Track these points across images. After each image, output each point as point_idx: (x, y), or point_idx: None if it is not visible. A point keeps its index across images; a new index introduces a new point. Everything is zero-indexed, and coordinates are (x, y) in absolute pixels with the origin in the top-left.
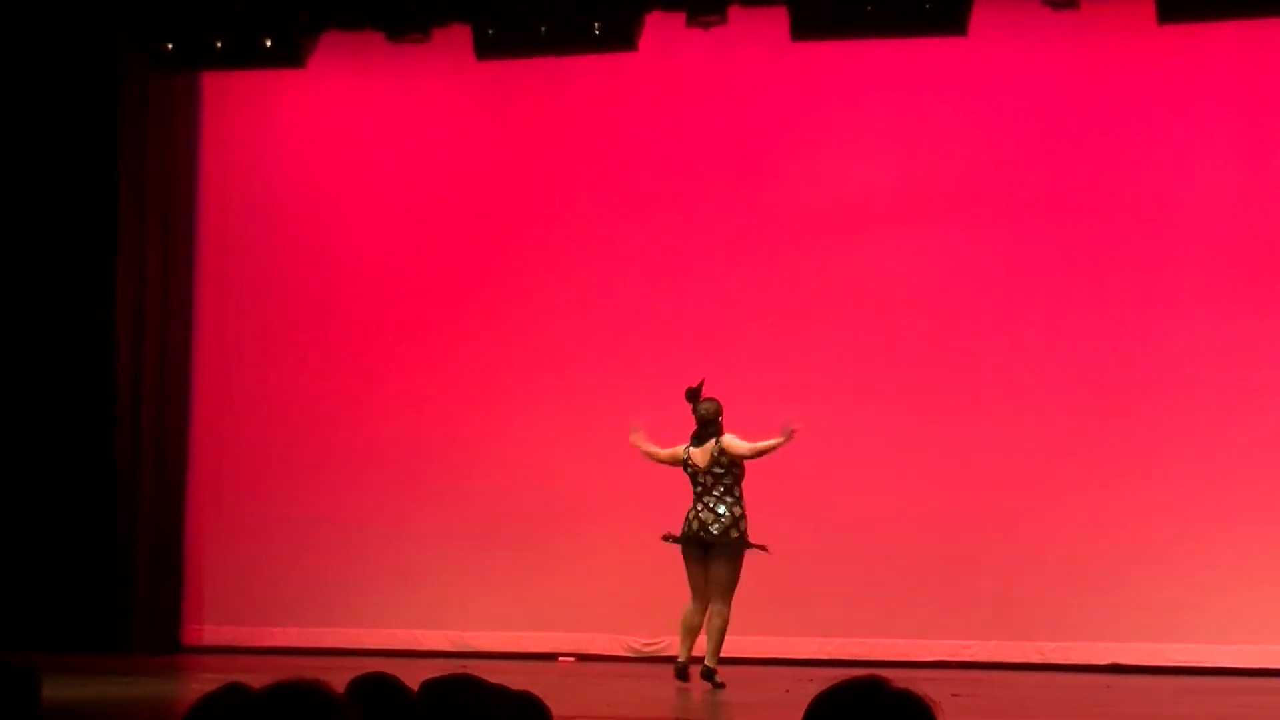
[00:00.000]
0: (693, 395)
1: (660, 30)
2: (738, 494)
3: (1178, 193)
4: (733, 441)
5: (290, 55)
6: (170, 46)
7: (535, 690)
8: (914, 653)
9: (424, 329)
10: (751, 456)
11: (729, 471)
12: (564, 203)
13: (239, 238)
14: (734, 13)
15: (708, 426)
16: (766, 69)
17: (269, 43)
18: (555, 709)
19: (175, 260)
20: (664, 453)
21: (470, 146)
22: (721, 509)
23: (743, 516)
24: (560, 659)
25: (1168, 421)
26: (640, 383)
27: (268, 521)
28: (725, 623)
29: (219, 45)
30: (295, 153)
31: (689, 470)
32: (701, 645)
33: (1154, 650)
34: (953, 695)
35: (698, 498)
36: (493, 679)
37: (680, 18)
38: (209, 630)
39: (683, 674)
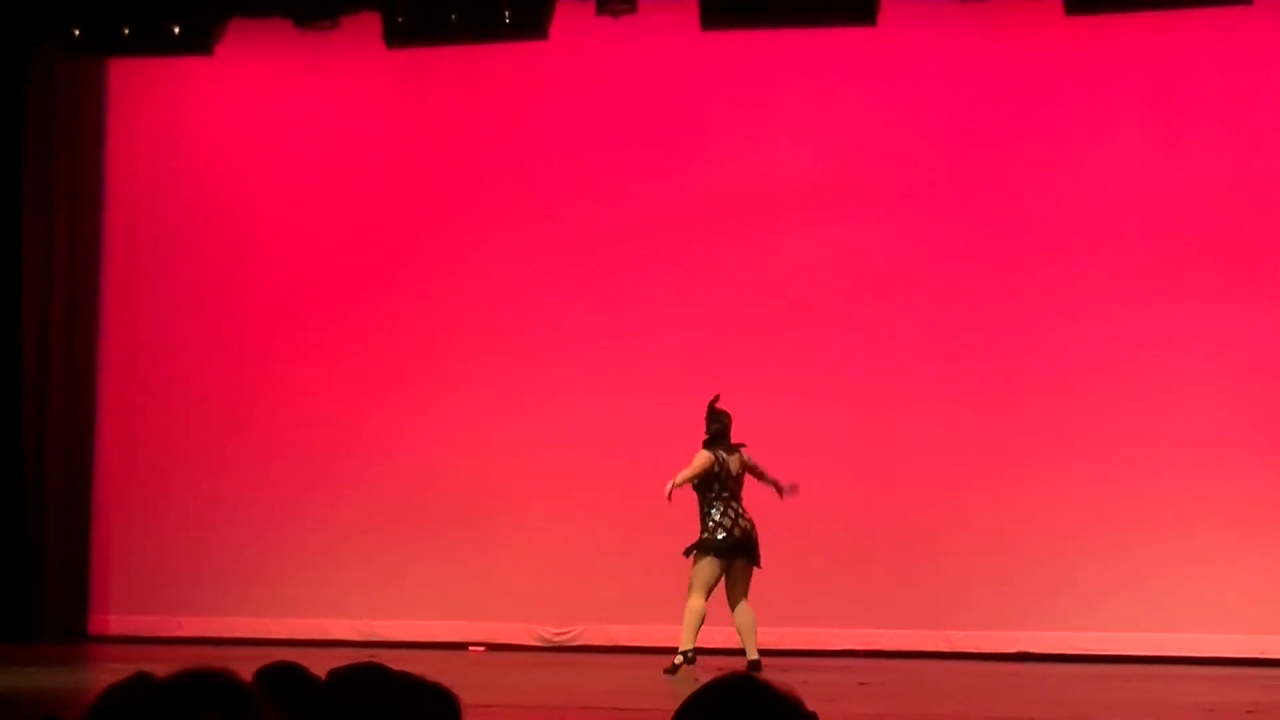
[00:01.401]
0: (714, 407)
1: (571, 19)
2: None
3: (1088, 181)
4: (754, 464)
5: (198, 42)
6: (77, 32)
7: (445, 679)
8: (822, 641)
9: (332, 318)
10: (759, 479)
11: (741, 480)
12: (475, 192)
13: (146, 226)
14: (644, 2)
15: (729, 434)
16: (678, 58)
17: (176, 29)
18: (465, 698)
19: (81, 249)
20: (696, 468)
21: (381, 135)
22: (746, 514)
23: None
24: (470, 648)
25: (1078, 410)
26: (553, 372)
27: (175, 511)
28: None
29: (126, 31)
30: (203, 141)
31: (720, 476)
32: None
33: (1062, 638)
34: (860, 684)
35: (726, 503)
36: (402, 668)
37: (590, 6)
38: (115, 620)
39: (692, 660)
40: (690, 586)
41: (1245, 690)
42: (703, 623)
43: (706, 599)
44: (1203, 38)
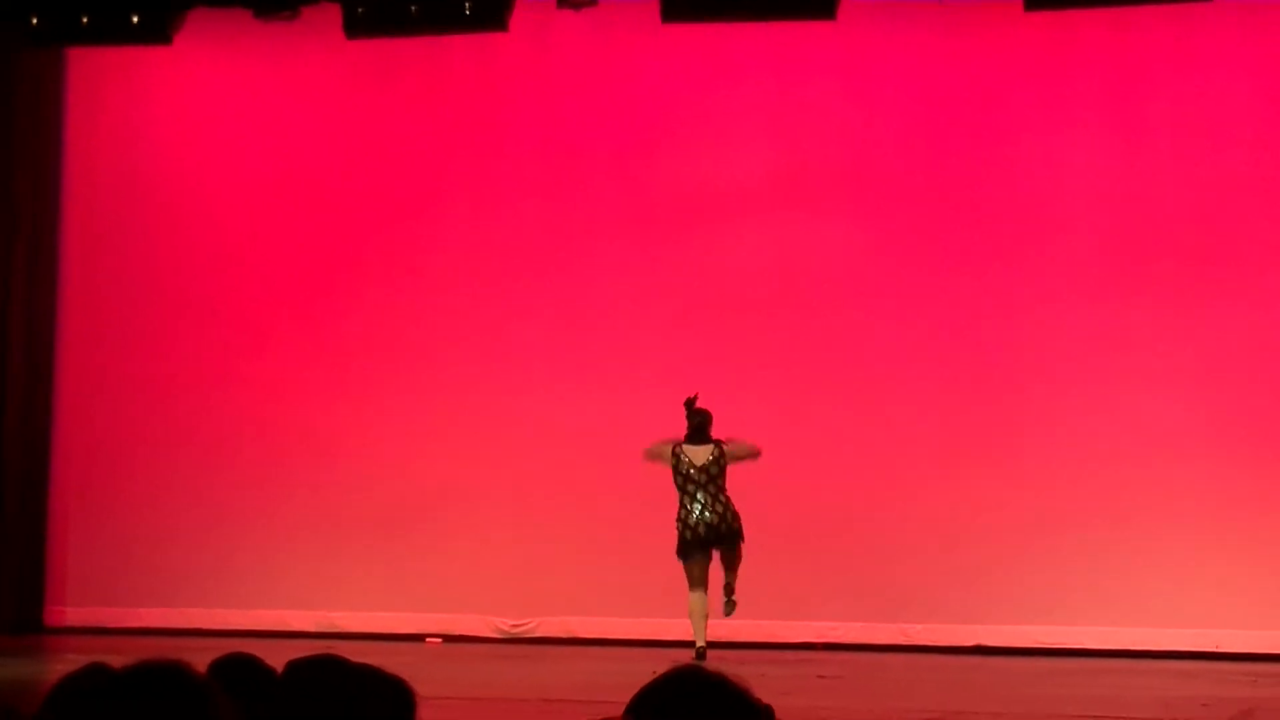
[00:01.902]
0: (690, 404)
1: (532, 11)
2: (725, 489)
3: (1043, 180)
4: (735, 446)
5: (157, 32)
6: (36, 20)
7: (402, 671)
8: (780, 634)
9: (291, 312)
10: (749, 456)
11: (722, 471)
12: (434, 186)
13: (105, 217)
14: None
15: (703, 432)
16: (638, 51)
17: (136, 19)
18: (423, 690)
19: (40, 241)
20: (653, 450)
21: (340, 128)
22: (724, 503)
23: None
24: (428, 640)
25: (1033, 408)
26: (510, 367)
27: (133, 501)
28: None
29: (85, 20)
30: (164, 131)
31: (680, 470)
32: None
33: (1019, 632)
34: (818, 677)
35: (690, 498)
36: (360, 660)
37: None
38: (72, 611)
39: (702, 656)
40: None
41: (1201, 685)
42: (706, 614)
43: (700, 591)
44: (1163, 34)
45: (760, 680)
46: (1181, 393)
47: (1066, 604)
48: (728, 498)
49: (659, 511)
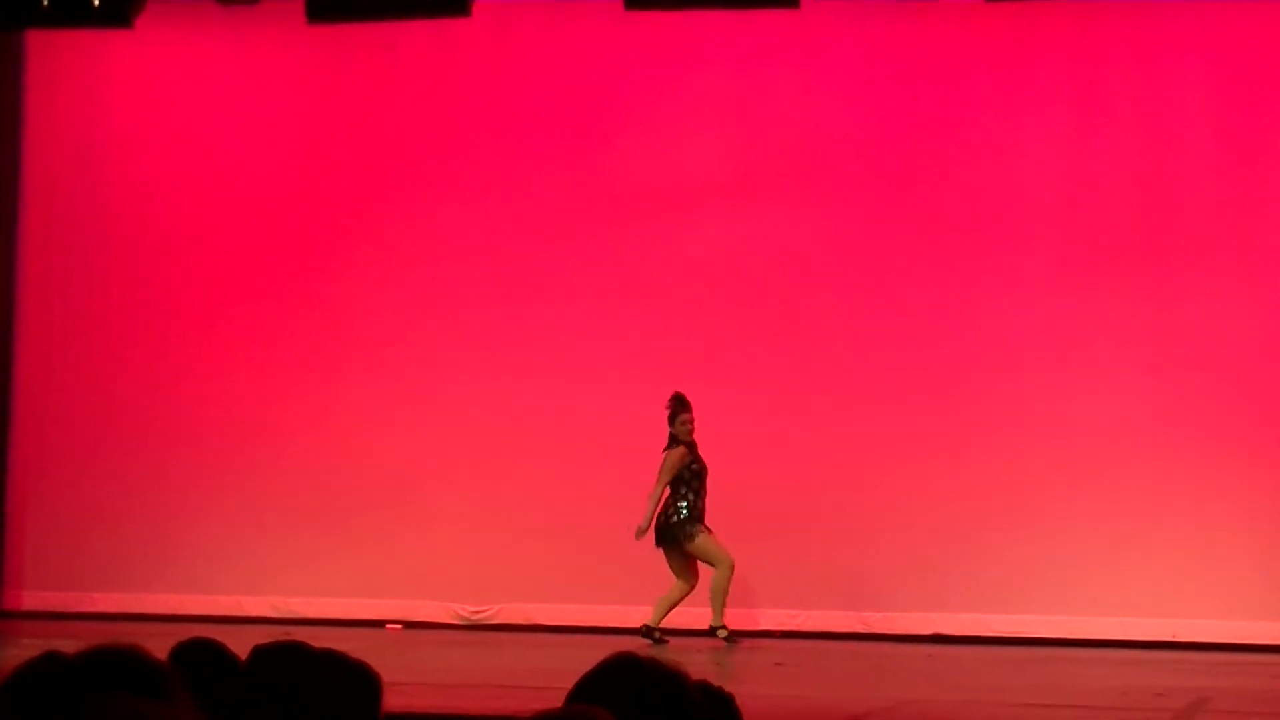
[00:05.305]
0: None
1: None
2: (683, 492)
3: (1006, 171)
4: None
5: (117, 15)
6: None
7: (362, 657)
8: (739, 622)
9: (249, 298)
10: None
11: (678, 476)
12: (394, 174)
13: (64, 202)
14: None
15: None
16: (601, 39)
17: (96, 2)
18: (383, 676)
19: None
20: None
21: (301, 113)
22: (668, 504)
23: (679, 509)
24: (388, 626)
25: (995, 398)
26: (468, 353)
27: (91, 486)
28: (721, 582)
29: (45, 3)
30: (122, 116)
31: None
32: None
33: (977, 620)
34: (776, 665)
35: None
36: (321, 646)
37: None
38: (29, 595)
39: (649, 634)
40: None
41: (1156, 674)
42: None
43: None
44: (1124, 27)
45: (718, 668)
46: (1140, 384)
47: (1024, 593)
48: (671, 500)
49: (620, 499)
